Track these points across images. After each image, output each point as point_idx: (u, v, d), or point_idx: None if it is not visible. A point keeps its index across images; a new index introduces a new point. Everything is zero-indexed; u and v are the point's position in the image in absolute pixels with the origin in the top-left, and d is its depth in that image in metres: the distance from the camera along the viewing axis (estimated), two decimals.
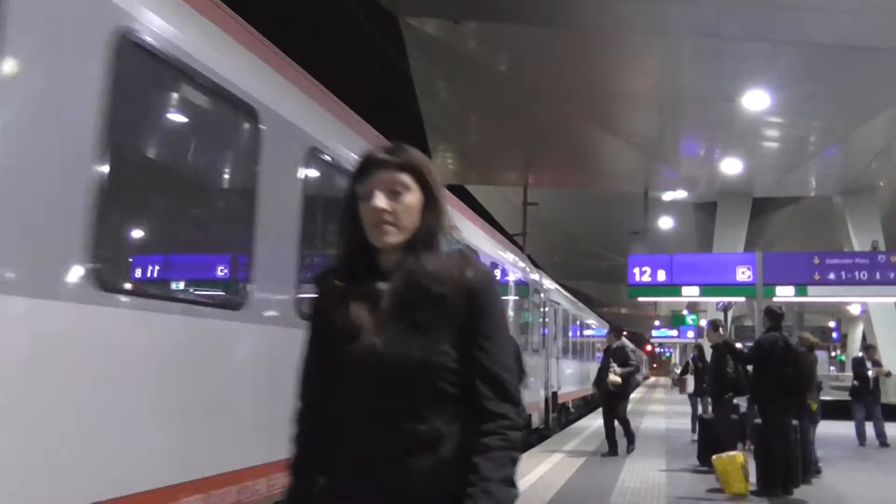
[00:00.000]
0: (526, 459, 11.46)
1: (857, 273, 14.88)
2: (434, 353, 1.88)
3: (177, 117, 4.72)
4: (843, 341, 59.92)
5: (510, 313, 13.30)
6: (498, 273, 11.44)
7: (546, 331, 17.37)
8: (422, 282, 1.92)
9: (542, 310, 17.06)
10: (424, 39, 16.93)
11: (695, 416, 13.57)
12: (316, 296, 2.08)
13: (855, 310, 45.31)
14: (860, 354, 17.24)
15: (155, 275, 4.36)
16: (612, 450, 12.39)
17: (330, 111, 6.15)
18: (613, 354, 13.00)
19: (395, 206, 1.94)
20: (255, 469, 4.51)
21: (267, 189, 4.82)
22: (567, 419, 20.58)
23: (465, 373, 1.91)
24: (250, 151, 4.83)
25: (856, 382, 15.57)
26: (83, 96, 3.33)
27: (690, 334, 39.50)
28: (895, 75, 16.42)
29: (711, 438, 10.52)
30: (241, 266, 4.78)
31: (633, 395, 34.51)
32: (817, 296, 15.64)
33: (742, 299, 21.02)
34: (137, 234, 4.35)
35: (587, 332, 29.44)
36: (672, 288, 15.80)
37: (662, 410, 24.41)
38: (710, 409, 11.70)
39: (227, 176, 5.30)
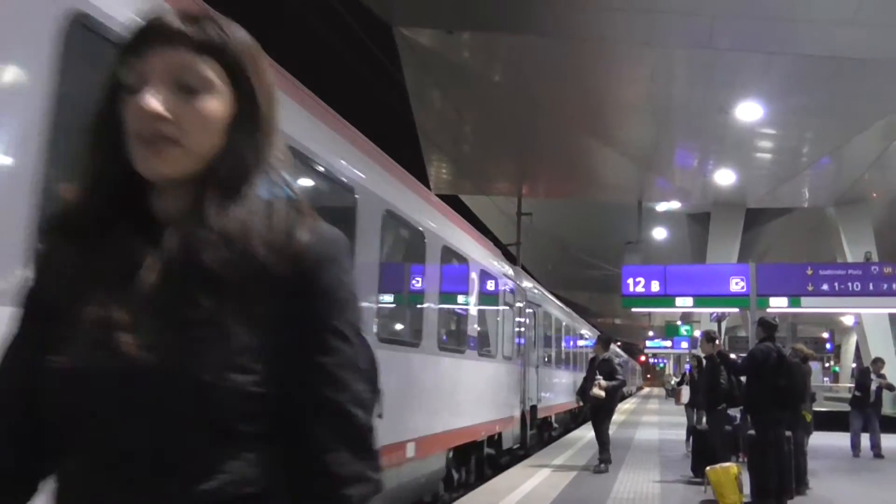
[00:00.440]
0: (517, 471, 11.40)
1: (850, 284, 14.90)
2: (229, 370, 1.09)
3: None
4: (836, 352, 60.03)
5: (470, 309, 10.92)
6: (453, 261, 10.08)
7: (523, 336, 15.27)
8: (217, 248, 1.12)
9: (517, 311, 14.85)
10: (418, 49, 16.94)
11: (690, 428, 13.44)
12: (35, 264, 1.25)
13: (848, 321, 45.44)
14: (867, 366, 17.23)
15: None
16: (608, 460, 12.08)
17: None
18: (600, 366, 12.43)
19: (182, 110, 1.14)
20: None
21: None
22: (549, 435, 18.63)
23: (285, 403, 1.14)
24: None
25: (857, 393, 15.56)
26: None
27: (684, 345, 39.49)
28: (888, 86, 16.48)
29: (705, 449, 10.48)
30: None
31: (626, 407, 34.57)
32: (811, 307, 15.65)
33: (736, 310, 21.04)
34: None
35: (575, 340, 26.58)
36: (666, 298, 15.79)
37: (656, 421, 24.36)
38: (703, 419, 11.63)
39: None
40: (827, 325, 53.80)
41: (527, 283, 16.64)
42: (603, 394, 12.10)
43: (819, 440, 13.05)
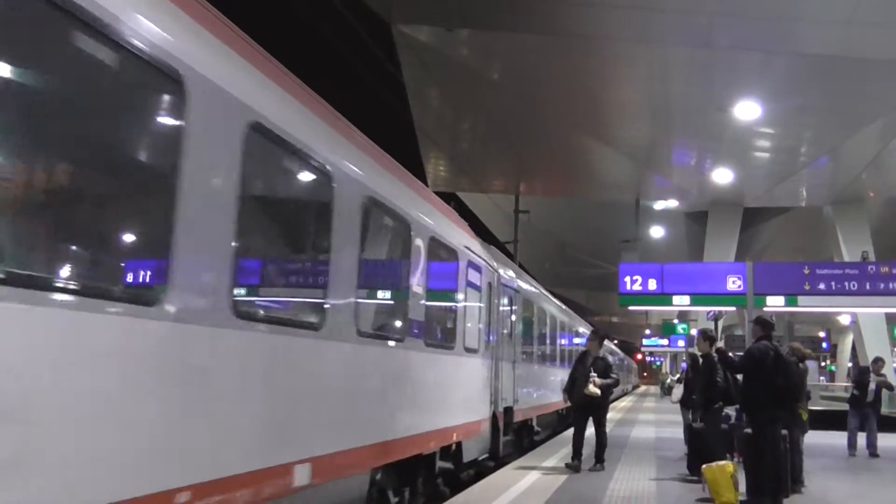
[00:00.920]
0: (513, 470, 11.40)
1: (847, 283, 14.92)
2: None
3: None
4: (832, 351, 60.16)
5: (412, 287, 8.20)
6: (386, 220, 7.65)
7: (495, 327, 12.62)
8: None
9: (488, 297, 12.09)
10: (417, 47, 16.95)
11: (687, 427, 13.33)
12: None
13: (845, 320, 45.57)
14: (866, 364, 17.25)
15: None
16: (578, 459, 11.47)
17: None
18: (594, 364, 11.76)
19: None
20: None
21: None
22: (531, 441, 16.33)
23: None
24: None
25: (856, 391, 15.60)
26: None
27: (681, 343, 39.55)
28: (886, 86, 16.51)
29: (701, 448, 10.50)
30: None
31: (622, 405, 34.61)
32: (807, 306, 15.68)
33: (733, 309, 21.07)
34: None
35: (564, 334, 23.29)
36: (663, 297, 15.81)
37: (653, 419, 24.39)
38: (698, 418, 11.59)
39: None
40: (823, 325, 53.96)
41: (503, 266, 14.03)
42: (598, 391, 11.49)
43: (815, 439, 13.07)
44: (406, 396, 7.96)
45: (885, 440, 15.45)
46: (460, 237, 10.52)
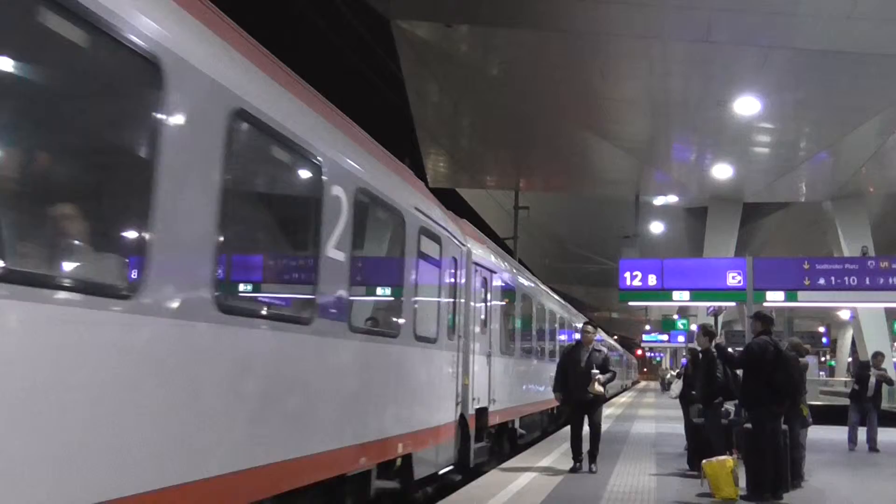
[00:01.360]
0: (512, 466, 11.41)
1: (846, 278, 14.91)
2: None
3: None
4: (832, 346, 60.21)
5: (326, 251, 5.95)
6: (291, 162, 5.76)
7: (460, 312, 10.31)
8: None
9: (449, 274, 9.76)
10: (416, 43, 16.93)
11: (688, 423, 13.26)
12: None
13: (844, 315, 45.60)
14: (866, 359, 17.27)
15: None
16: (579, 462, 10.77)
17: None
18: (592, 357, 10.86)
19: None
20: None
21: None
22: (515, 445, 14.51)
23: None
24: None
25: (856, 386, 15.62)
26: None
27: (681, 339, 39.56)
28: (885, 81, 16.50)
29: (701, 443, 10.50)
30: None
31: (622, 400, 34.65)
32: (807, 301, 15.65)
33: (732, 304, 21.06)
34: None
35: (553, 324, 20.57)
36: (663, 292, 15.79)
37: (652, 415, 24.41)
38: (698, 412, 11.59)
39: None
40: (823, 320, 53.98)
41: (476, 242, 11.76)
42: (602, 390, 10.85)
43: (815, 434, 13.07)
44: (316, 399, 5.86)
45: (886, 435, 15.47)
46: (408, 195, 8.19)
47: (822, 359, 56.22)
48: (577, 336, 23.95)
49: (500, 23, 15.80)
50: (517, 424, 14.63)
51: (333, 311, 6.09)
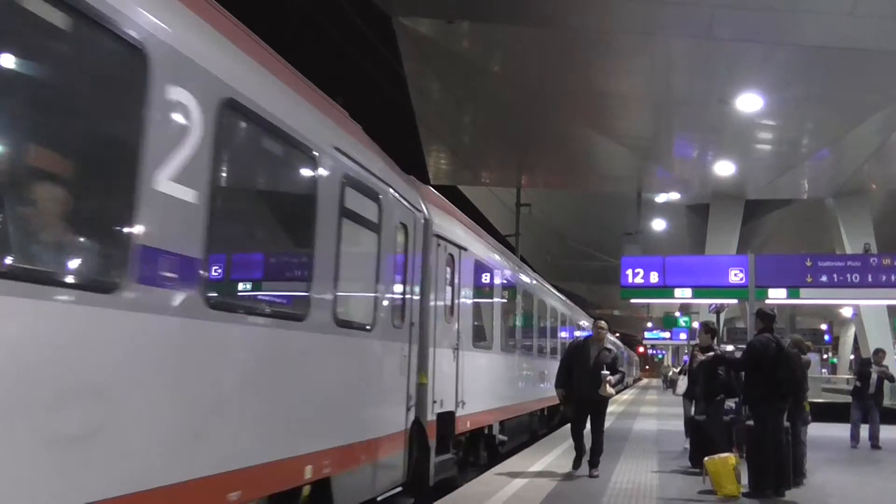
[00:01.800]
0: (514, 464, 11.40)
1: (849, 276, 14.90)
2: None
3: None
4: (834, 343, 60.19)
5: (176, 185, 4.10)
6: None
7: (412, 293, 8.35)
8: None
9: (394, 243, 7.82)
10: (418, 39, 16.91)
11: (688, 420, 13.25)
12: None
13: (847, 312, 45.54)
14: (867, 356, 17.25)
15: None
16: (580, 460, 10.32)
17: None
18: (601, 356, 10.21)
19: None
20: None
21: None
22: (496, 454, 12.49)
23: None
24: None
25: (858, 383, 15.62)
26: None
27: (683, 336, 39.54)
28: (888, 78, 16.47)
29: (704, 440, 10.49)
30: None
31: (624, 398, 34.61)
32: (809, 298, 15.65)
33: (734, 301, 21.05)
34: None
35: (540, 315, 18.08)
36: (665, 290, 15.79)
37: (654, 412, 24.39)
38: (698, 409, 11.56)
39: None
40: (825, 317, 53.95)
41: (439, 212, 9.72)
42: (614, 392, 10.35)
43: (817, 431, 13.06)
44: (157, 409, 3.96)
45: (888, 432, 15.45)
46: (326, 131, 6.13)
47: (825, 356, 56.18)
48: (579, 333, 24.16)
49: (501, 19, 15.77)
50: (496, 430, 12.54)
51: (171, 275, 4.03)
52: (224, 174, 4.69)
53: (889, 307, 26.16)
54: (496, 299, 13.22)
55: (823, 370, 49.52)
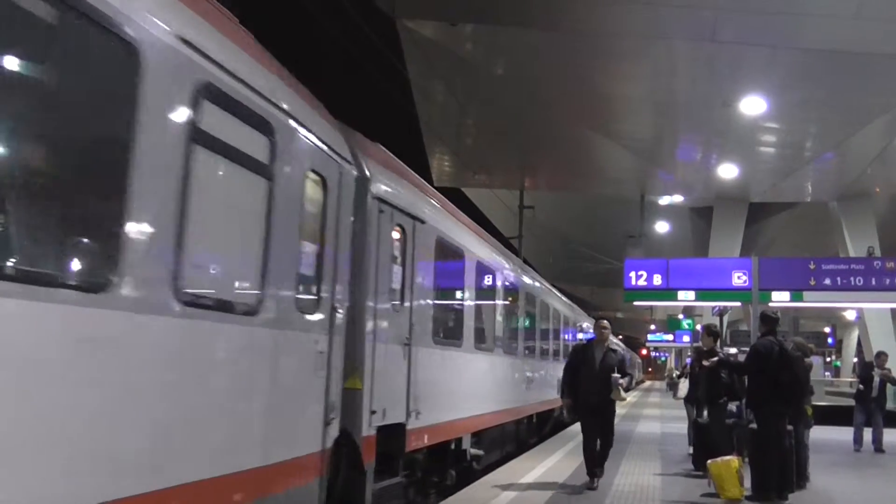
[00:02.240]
0: (518, 464, 11.39)
1: (852, 279, 14.87)
2: None
3: None
4: (838, 347, 60.07)
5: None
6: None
7: (341, 271, 6.42)
8: None
9: (323, 209, 6.09)
10: (421, 42, 16.93)
11: (692, 424, 13.18)
12: None
13: (850, 315, 45.48)
14: (869, 359, 17.24)
15: None
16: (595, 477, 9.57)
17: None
18: (607, 357, 9.55)
19: None
20: None
21: None
22: (471, 472, 10.75)
23: None
24: None
25: (861, 386, 15.61)
26: None
27: (686, 338, 39.50)
28: (892, 81, 16.46)
29: (707, 443, 10.49)
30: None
31: (627, 400, 34.55)
32: (813, 301, 15.61)
33: (738, 304, 21.02)
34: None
35: (525, 307, 15.80)
36: (668, 292, 15.76)
37: (657, 415, 24.38)
38: (705, 413, 11.54)
39: None
40: (829, 320, 53.84)
41: (386, 172, 7.80)
42: (626, 397, 10.04)
43: (820, 434, 13.04)
44: None
45: (891, 436, 15.42)
46: (161, 9, 3.99)
47: (828, 359, 56.08)
48: (579, 335, 24.08)
49: (505, 22, 15.79)
50: (467, 444, 10.56)
51: None
52: None
53: (892, 310, 26.10)
54: (469, 287, 11.06)
55: (827, 373, 49.38)
